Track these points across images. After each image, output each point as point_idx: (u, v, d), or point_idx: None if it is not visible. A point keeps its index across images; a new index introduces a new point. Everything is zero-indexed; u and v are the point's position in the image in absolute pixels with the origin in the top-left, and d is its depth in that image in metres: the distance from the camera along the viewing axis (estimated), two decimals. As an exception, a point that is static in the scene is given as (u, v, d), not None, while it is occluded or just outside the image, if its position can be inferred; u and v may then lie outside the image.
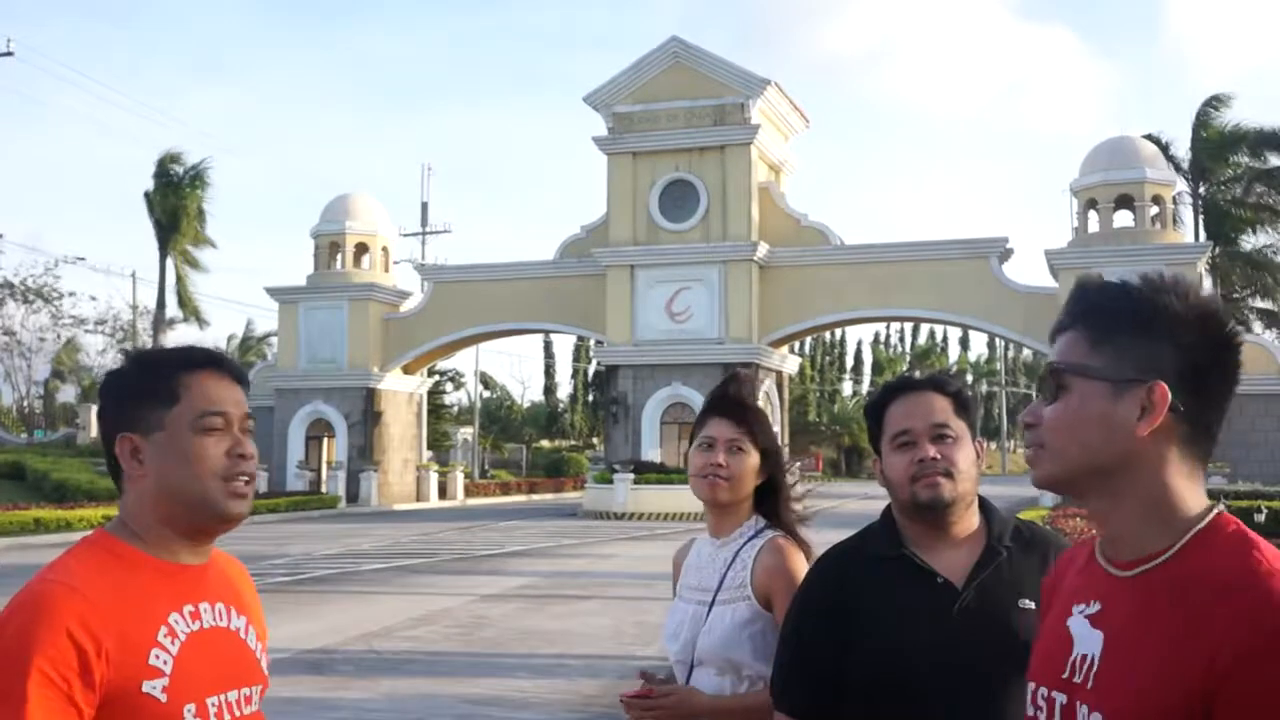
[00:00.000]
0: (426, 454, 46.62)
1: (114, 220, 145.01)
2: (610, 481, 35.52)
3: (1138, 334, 1.40)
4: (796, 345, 60.45)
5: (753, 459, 2.76)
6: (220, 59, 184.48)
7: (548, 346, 79.61)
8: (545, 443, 74.96)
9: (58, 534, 25.96)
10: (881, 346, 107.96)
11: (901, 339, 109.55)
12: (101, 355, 65.54)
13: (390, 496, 41.46)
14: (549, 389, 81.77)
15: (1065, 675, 1.43)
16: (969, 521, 2.30)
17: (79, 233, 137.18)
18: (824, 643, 2.24)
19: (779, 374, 40.38)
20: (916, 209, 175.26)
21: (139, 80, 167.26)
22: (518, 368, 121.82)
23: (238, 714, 1.76)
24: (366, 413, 41.28)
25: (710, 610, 2.70)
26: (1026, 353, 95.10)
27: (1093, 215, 35.83)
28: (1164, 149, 38.92)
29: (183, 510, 1.75)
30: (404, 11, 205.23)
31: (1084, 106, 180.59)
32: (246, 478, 1.79)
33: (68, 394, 67.90)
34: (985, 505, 2.35)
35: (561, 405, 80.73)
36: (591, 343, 46.12)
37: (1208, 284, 35.93)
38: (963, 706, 2.11)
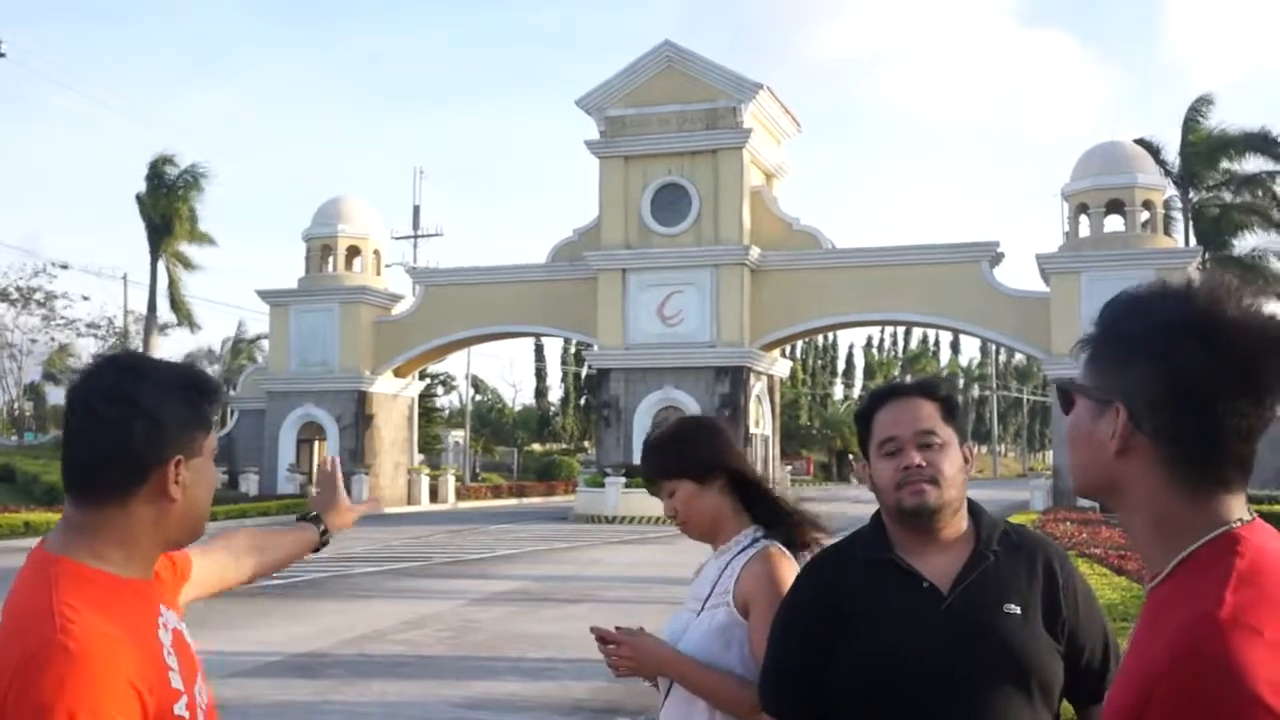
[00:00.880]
0: (418, 457, 46.57)
1: (108, 222, 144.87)
2: (602, 485, 35.49)
3: (1115, 350, 1.36)
4: (788, 349, 60.55)
5: (685, 489, 2.76)
6: (213, 61, 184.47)
7: (539, 350, 79.62)
8: (537, 446, 74.92)
9: (48, 537, 25.86)
10: (874, 350, 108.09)
11: (895, 342, 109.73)
12: (93, 358, 65.40)
13: (381, 500, 41.31)
14: (540, 392, 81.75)
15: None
16: (957, 526, 2.30)
17: (72, 234, 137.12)
18: (811, 647, 2.25)
19: (770, 377, 40.41)
20: (908, 213, 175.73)
21: (132, 82, 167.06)
22: (509, 371, 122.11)
23: (205, 701, 1.75)
24: (358, 416, 41.23)
25: (699, 618, 2.72)
26: (1018, 357, 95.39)
27: (1084, 220, 35.94)
28: (1155, 153, 39.05)
29: (188, 533, 1.77)
30: (397, 15, 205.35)
31: (1080, 111, 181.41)
32: None
33: (58, 396, 67.73)
34: (974, 509, 2.36)
35: (553, 408, 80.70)
36: (575, 344, 46.08)
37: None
38: (948, 711, 2.12)
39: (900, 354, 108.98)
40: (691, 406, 35.99)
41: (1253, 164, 40.67)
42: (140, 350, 45.18)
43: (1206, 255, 38.37)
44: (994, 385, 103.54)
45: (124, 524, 1.67)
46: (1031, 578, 2.24)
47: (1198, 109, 40.93)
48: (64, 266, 51.77)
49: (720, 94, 37.82)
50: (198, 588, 2.05)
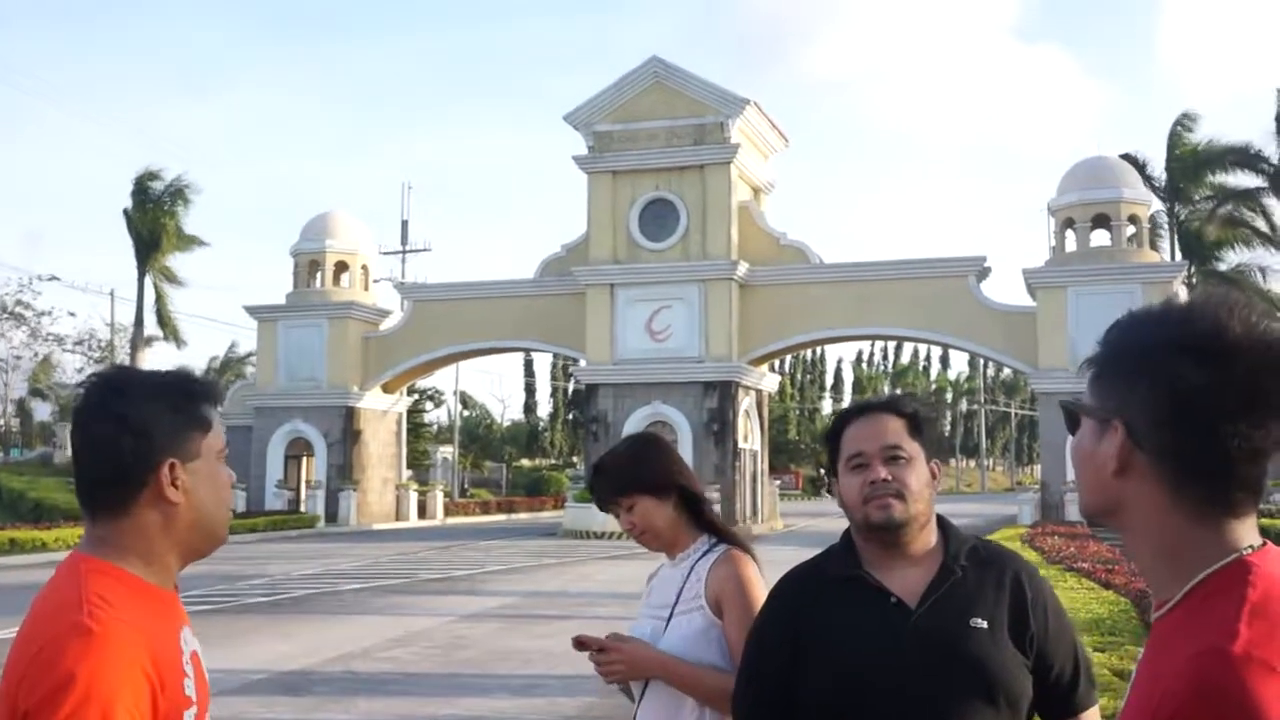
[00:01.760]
0: (406, 473, 46.45)
1: (95, 236, 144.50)
2: (590, 500, 35.34)
3: (1117, 369, 1.33)
4: (776, 364, 60.63)
5: (644, 504, 2.89)
6: (202, 77, 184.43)
7: (528, 365, 79.61)
8: (525, 461, 74.85)
9: (34, 554, 25.74)
10: (862, 365, 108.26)
11: (885, 357, 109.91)
12: (79, 374, 65.18)
13: (369, 516, 41.26)
14: (529, 407, 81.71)
15: None
16: (925, 540, 2.32)
17: (59, 249, 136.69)
18: (780, 664, 2.29)
19: (759, 392, 40.41)
20: (896, 228, 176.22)
21: (120, 97, 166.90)
22: (498, 386, 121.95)
23: None
24: (346, 431, 41.12)
25: (668, 623, 2.82)
26: (1006, 371, 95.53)
27: (1070, 234, 36.07)
28: (1141, 168, 39.24)
29: (205, 538, 1.79)
30: (385, 30, 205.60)
31: (1070, 127, 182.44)
32: (231, 505, 1.86)
33: (44, 412, 67.42)
34: (944, 524, 2.38)
35: (541, 424, 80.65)
36: (563, 359, 46.03)
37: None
38: None
39: (889, 368, 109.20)
40: (680, 422, 35.98)
41: (1237, 179, 40.88)
42: (125, 365, 45.00)
43: (1192, 270, 38.50)
44: (982, 399, 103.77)
45: (135, 533, 1.72)
46: (999, 592, 2.25)
47: (1183, 124, 41.18)
48: (53, 278, 51.67)
49: (708, 109, 37.90)
50: None
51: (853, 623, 2.23)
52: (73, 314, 73.10)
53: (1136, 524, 1.33)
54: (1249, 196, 40.49)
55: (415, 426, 54.64)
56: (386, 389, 43.01)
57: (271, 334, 42.03)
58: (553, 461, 75.70)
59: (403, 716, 9.22)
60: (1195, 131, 40.95)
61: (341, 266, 42.78)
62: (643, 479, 2.89)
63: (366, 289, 43.54)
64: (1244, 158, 40.06)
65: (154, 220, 43.12)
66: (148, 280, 44.51)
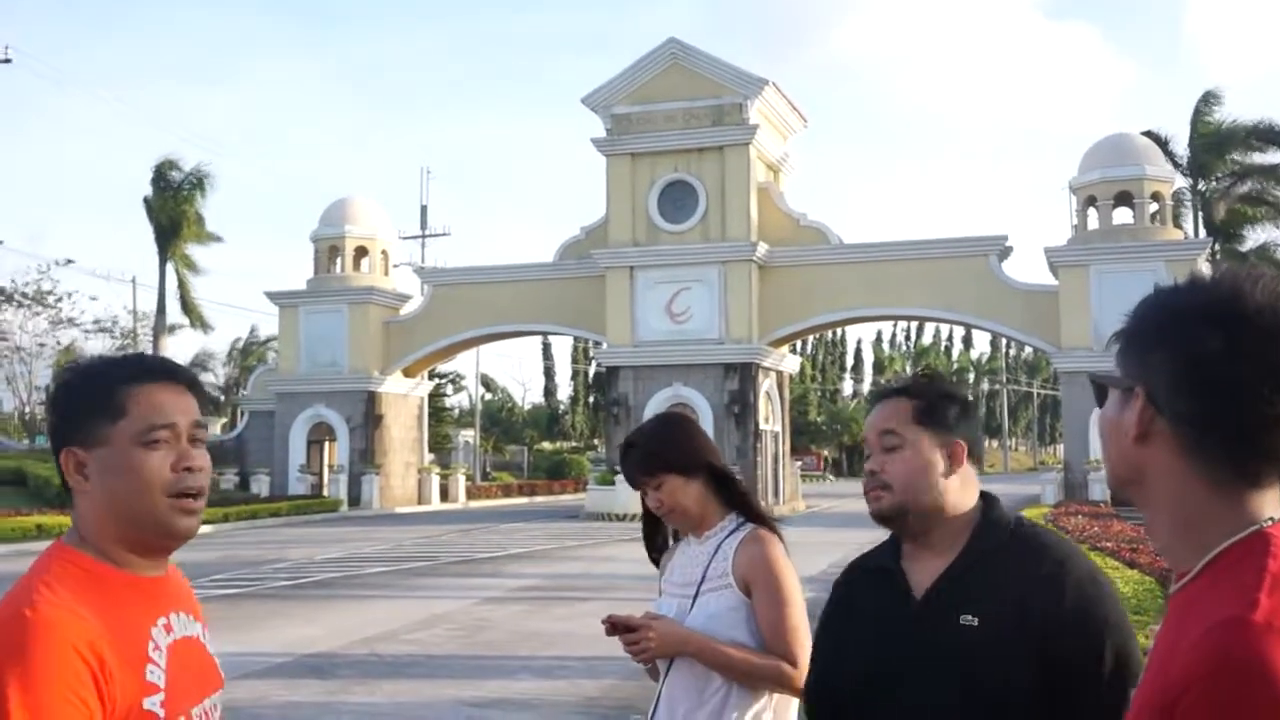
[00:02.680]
0: (428, 457, 46.60)
1: (115, 224, 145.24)
2: (612, 483, 35.47)
3: (1141, 340, 1.34)
4: (797, 345, 60.47)
5: (671, 483, 2.89)
6: (220, 63, 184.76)
7: (547, 348, 79.66)
8: (546, 445, 74.95)
9: (59, 540, 25.93)
10: (882, 345, 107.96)
11: (906, 337, 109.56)
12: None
13: (392, 499, 41.44)
14: (549, 391, 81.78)
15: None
16: (952, 529, 2.19)
17: (80, 237, 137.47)
18: (817, 653, 2.34)
19: (779, 374, 40.35)
20: (917, 207, 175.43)
21: (139, 85, 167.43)
22: (518, 370, 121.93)
23: (202, 715, 1.77)
24: (367, 416, 41.28)
25: (695, 601, 2.84)
26: (1028, 351, 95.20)
27: (1092, 212, 35.83)
28: (1163, 145, 38.90)
29: (130, 527, 1.71)
30: (403, 15, 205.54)
31: (1093, 105, 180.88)
32: (195, 492, 1.74)
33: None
34: (988, 508, 2.23)
35: (562, 407, 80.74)
36: (583, 342, 46.05)
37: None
38: None
39: (910, 349, 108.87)
40: (700, 404, 35.96)
41: (1262, 157, 40.50)
42: (152, 351, 45.29)
43: (1216, 247, 38.21)
44: (1004, 379, 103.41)
45: (79, 520, 1.74)
46: (1019, 588, 2.07)
47: (1207, 101, 40.78)
48: (69, 262, 51.96)
49: (726, 90, 37.76)
50: None
51: (871, 614, 2.20)
52: (94, 298, 73.52)
53: (1157, 494, 1.33)
54: (1271, 173, 40.13)
55: (437, 410, 54.78)
56: (407, 373, 43.13)
57: (293, 320, 42.19)
58: (574, 444, 75.79)
59: (427, 699, 9.27)
60: (1219, 110, 40.55)
61: (361, 252, 42.88)
62: (670, 458, 2.90)
63: (386, 274, 43.64)
64: (1268, 134, 39.69)
65: (174, 208, 43.31)
66: (169, 267, 44.73)
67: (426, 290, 42.76)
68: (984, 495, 2.25)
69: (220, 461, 41.54)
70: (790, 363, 43.02)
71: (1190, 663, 1.19)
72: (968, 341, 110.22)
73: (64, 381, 1.78)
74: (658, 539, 3.14)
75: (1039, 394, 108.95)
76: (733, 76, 37.80)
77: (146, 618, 1.69)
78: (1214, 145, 39.94)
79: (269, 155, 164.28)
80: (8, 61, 36.30)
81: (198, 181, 43.92)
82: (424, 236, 56.95)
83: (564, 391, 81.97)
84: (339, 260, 42.72)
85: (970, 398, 2.31)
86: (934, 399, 2.24)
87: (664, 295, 37.65)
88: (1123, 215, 35.64)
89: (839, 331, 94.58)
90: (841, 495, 54.69)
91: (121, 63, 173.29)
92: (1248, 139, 39.84)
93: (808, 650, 2.70)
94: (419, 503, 43.26)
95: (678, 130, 37.94)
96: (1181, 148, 40.64)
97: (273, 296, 42.82)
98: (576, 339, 58.22)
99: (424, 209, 57.60)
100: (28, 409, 64.72)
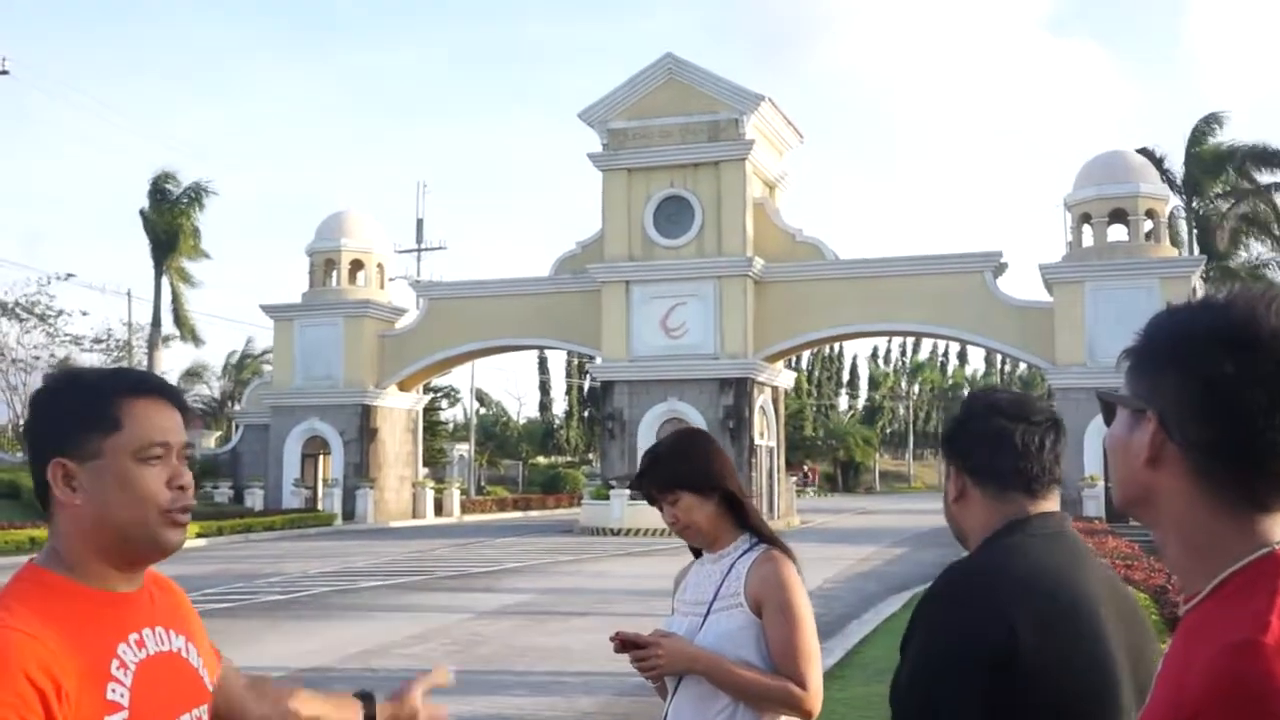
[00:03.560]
0: (422, 471, 46.56)
1: (110, 236, 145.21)
2: (606, 498, 35.49)
3: (1152, 360, 1.32)
4: (792, 360, 60.48)
5: (687, 501, 2.91)
6: (217, 75, 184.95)
7: (543, 362, 79.67)
8: (541, 459, 74.89)
9: (53, 553, 25.87)
10: (879, 361, 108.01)
11: (902, 353, 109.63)
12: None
13: (386, 513, 41.37)
14: (544, 405, 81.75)
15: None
16: None
17: (75, 249, 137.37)
18: None
19: (774, 389, 40.37)
20: (912, 223, 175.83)
21: (135, 97, 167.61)
22: (513, 384, 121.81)
23: None
24: (362, 429, 41.23)
25: (705, 619, 2.84)
26: (1023, 367, 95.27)
27: (1087, 229, 35.92)
28: (1158, 163, 38.99)
29: (118, 541, 1.70)
30: (400, 28, 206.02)
31: (1095, 123, 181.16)
32: (184, 508, 1.75)
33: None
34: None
35: (557, 421, 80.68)
36: (578, 356, 46.04)
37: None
38: None
39: (906, 365, 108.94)
40: (695, 418, 35.96)
41: (1258, 177, 40.58)
42: (149, 366, 45.27)
43: (1210, 265, 38.31)
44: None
45: (57, 534, 1.71)
46: None
47: (1209, 122, 40.85)
48: (70, 275, 51.91)
49: (722, 106, 37.87)
50: (219, 697, 1.96)
51: None
52: (85, 313, 72.98)
53: (1167, 516, 1.32)
54: (1264, 194, 40.24)
55: (431, 424, 54.73)
56: (402, 387, 43.11)
57: (288, 333, 42.17)
58: (569, 459, 75.73)
59: (421, 714, 9.24)
60: (1221, 132, 40.63)
61: (357, 265, 42.89)
62: (686, 477, 2.91)
63: (382, 287, 43.65)
64: (1263, 156, 39.79)
65: (171, 221, 43.31)
66: (164, 280, 44.72)
67: (422, 304, 42.77)
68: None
69: (214, 475, 41.47)
70: (785, 378, 43.05)
71: (1202, 685, 1.18)
72: (963, 357, 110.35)
73: (51, 389, 1.74)
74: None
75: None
76: (729, 92, 37.91)
77: (114, 635, 1.68)
78: (1210, 165, 40.05)
79: (265, 167, 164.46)
80: (5, 73, 36.32)
81: (195, 195, 43.94)
82: (419, 250, 56.98)
83: (559, 406, 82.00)
84: (334, 273, 42.73)
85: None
86: (945, 436, 2.20)
87: (659, 310, 37.69)
88: (1117, 232, 35.73)
89: (835, 347, 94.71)
90: (837, 510, 54.65)
91: (117, 74, 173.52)
92: (1244, 161, 39.94)
93: (817, 672, 2.76)
94: (413, 517, 43.18)
95: (674, 145, 38.03)
96: (1177, 165, 40.75)
97: (268, 309, 42.80)
98: (572, 353, 58.33)
99: (420, 222, 57.68)
100: (22, 422, 64.55)
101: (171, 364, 55.61)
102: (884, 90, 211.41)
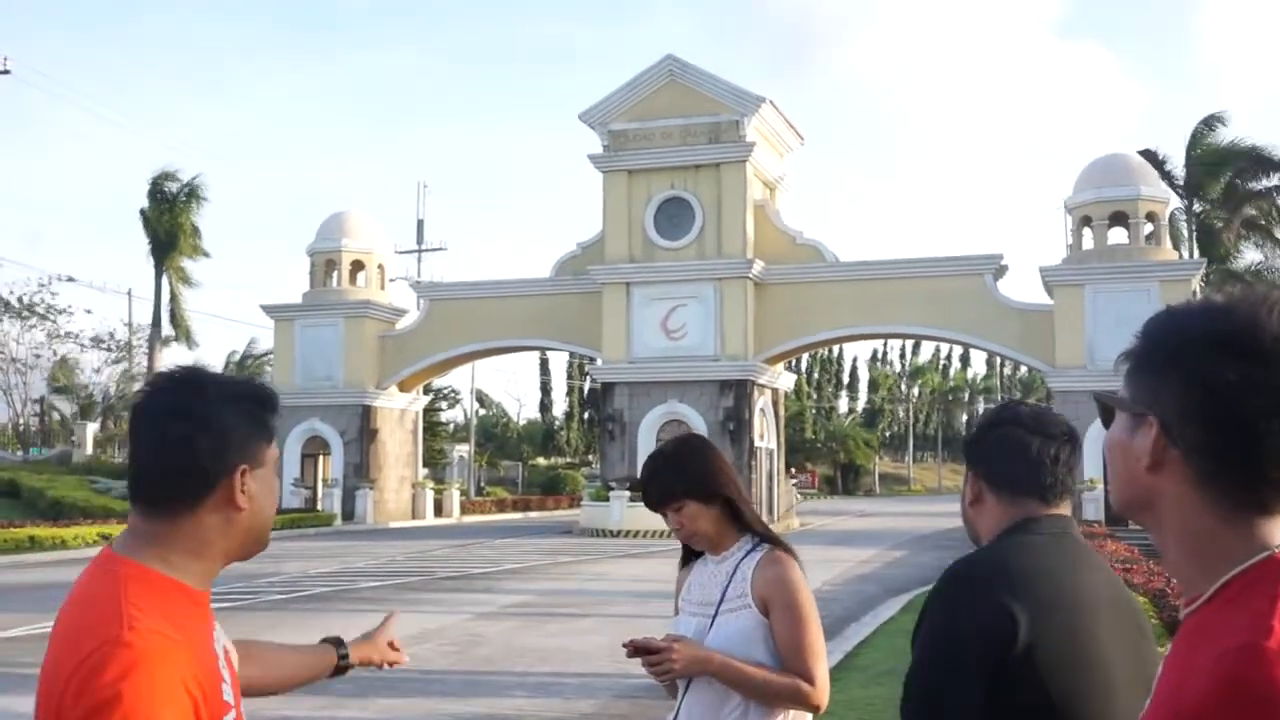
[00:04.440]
0: (422, 471, 46.55)
1: (110, 236, 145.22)
2: (606, 499, 35.49)
3: (1153, 363, 1.32)
4: (792, 362, 60.52)
5: (690, 508, 2.95)
6: (217, 76, 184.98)
7: (543, 364, 79.65)
8: (541, 460, 74.88)
9: (53, 552, 25.89)
10: (879, 364, 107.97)
11: (901, 355, 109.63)
12: (97, 373, 65.45)
13: (386, 514, 41.37)
14: (544, 406, 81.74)
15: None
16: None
17: (75, 248, 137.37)
18: None
19: (774, 391, 40.38)
20: (913, 225, 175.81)
21: (135, 97, 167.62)
22: (513, 385, 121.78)
23: None
24: (362, 430, 41.23)
25: (714, 621, 2.88)
26: (1023, 369, 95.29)
27: (1087, 232, 35.94)
28: (1160, 165, 38.97)
29: (254, 542, 1.82)
30: (400, 29, 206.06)
31: (1101, 126, 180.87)
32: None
33: (64, 410, 67.69)
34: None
35: (557, 422, 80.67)
36: (579, 358, 46.04)
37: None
38: None
39: (906, 367, 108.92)
40: (695, 420, 35.99)
41: (1259, 181, 40.55)
42: (149, 366, 45.32)
43: (1211, 268, 38.30)
44: (999, 398, 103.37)
45: (194, 533, 1.73)
46: None
47: (1209, 124, 40.83)
48: (70, 279, 51.97)
49: (723, 108, 37.88)
50: None
51: None
52: (89, 311, 73.54)
53: (1168, 520, 1.32)
54: (1266, 196, 40.22)
55: (431, 425, 54.75)
56: (403, 388, 43.12)
57: (288, 333, 42.18)
58: (568, 460, 75.72)
59: (419, 714, 9.24)
60: (1221, 132, 40.59)
61: (357, 266, 42.90)
62: (689, 486, 2.95)
63: (382, 288, 43.67)
64: (1262, 159, 39.76)
65: (170, 220, 43.32)
66: (164, 280, 44.72)
67: (422, 305, 42.79)
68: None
69: (214, 475, 41.41)
70: (785, 380, 43.06)
71: (1204, 688, 1.18)
72: (964, 360, 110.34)
73: (227, 396, 1.77)
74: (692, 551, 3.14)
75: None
76: (730, 94, 37.92)
77: (208, 632, 1.73)
78: (1211, 167, 40.02)
79: (267, 168, 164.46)
80: (6, 73, 36.34)
81: (192, 193, 43.92)
82: (420, 251, 57.01)
83: (559, 407, 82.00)
84: (335, 274, 42.75)
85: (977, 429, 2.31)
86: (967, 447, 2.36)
87: (660, 312, 37.70)
88: (1118, 235, 35.75)
89: (835, 349, 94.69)
90: (836, 513, 54.63)
91: (118, 74, 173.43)
92: (1242, 163, 39.90)
93: (824, 668, 2.83)
94: (413, 517, 43.19)
95: (675, 147, 38.05)
96: (1178, 168, 40.72)
97: (268, 310, 42.81)
98: (572, 355, 58.32)
99: (420, 223, 57.69)
100: (22, 421, 64.59)
101: (172, 364, 55.55)
102: (885, 92, 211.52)
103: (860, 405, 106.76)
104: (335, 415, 41.24)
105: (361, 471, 40.88)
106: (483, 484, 63.64)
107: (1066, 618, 1.91)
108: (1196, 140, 40.64)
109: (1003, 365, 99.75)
